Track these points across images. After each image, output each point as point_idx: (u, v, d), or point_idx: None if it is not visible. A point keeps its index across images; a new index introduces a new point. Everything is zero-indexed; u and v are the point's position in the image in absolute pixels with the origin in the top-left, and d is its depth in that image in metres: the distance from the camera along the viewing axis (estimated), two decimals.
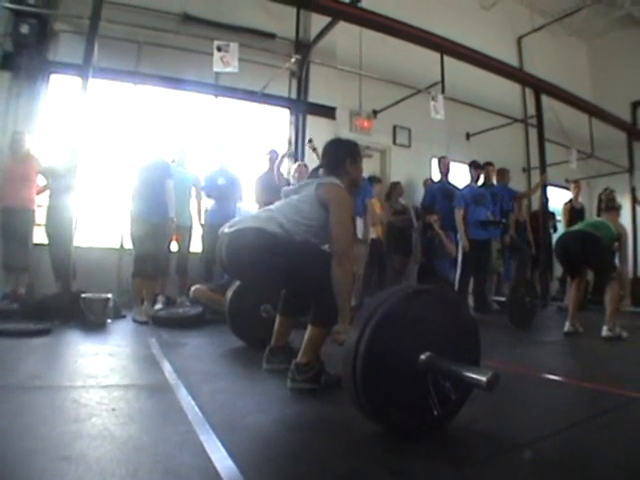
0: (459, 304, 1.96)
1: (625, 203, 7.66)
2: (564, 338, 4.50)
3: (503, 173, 7.15)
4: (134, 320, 4.78)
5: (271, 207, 2.54)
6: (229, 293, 3.69)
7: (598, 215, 5.33)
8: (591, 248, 4.47)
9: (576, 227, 4.89)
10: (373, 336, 1.65)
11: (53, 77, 6.23)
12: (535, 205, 8.23)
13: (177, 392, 2.17)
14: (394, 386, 1.69)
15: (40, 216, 5.50)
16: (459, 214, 6.42)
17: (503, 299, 6.15)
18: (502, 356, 3.47)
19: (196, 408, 1.91)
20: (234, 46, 5.40)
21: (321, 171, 2.69)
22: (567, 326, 4.63)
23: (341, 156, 2.64)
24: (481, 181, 6.88)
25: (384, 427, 1.72)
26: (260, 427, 1.78)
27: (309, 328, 2.35)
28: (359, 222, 6.04)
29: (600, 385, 2.52)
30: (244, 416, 1.88)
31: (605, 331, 4.33)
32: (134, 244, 5.14)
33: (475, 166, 6.80)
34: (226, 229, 2.48)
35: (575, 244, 4.58)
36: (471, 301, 6.43)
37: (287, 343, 2.73)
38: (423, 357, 1.72)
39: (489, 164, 7.02)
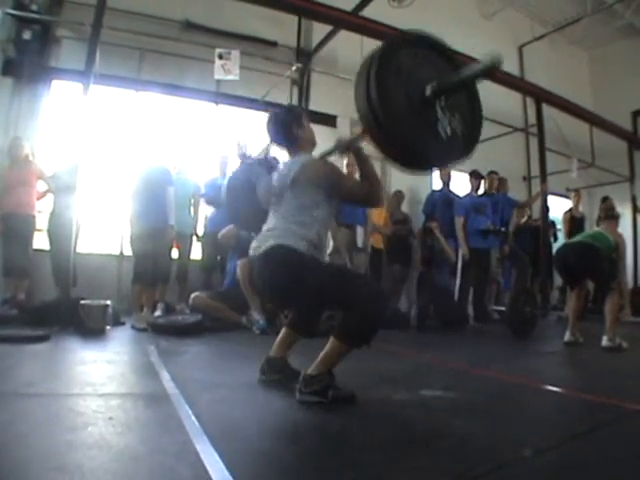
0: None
1: (626, 212, 7.66)
2: (564, 348, 4.49)
3: (502, 182, 7.16)
4: (133, 327, 4.76)
5: (278, 215, 2.50)
6: None
7: (597, 225, 5.32)
8: (591, 259, 4.48)
9: (575, 239, 4.89)
10: (378, 83, 1.92)
11: (55, 83, 6.26)
12: (536, 214, 8.21)
13: (175, 401, 2.15)
14: (411, 119, 1.97)
15: (41, 222, 5.50)
16: (459, 222, 6.42)
17: (503, 309, 6.14)
18: (502, 366, 3.47)
19: (193, 418, 1.89)
20: (235, 54, 5.43)
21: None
22: (567, 336, 4.61)
23: (285, 126, 2.60)
24: (481, 190, 6.88)
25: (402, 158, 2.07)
26: (258, 438, 1.76)
27: (331, 340, 2.28)
28: (360, 231, 6.03)
29: (600, 397, 2.50)
30: (242, 427, 1.86)
31: (605, 341, 4.31)
32: (134, 251, 5.15)
33: (475, 175, 6.81)
34: (252, 251, 2.49)
35: (574, 256, 4.59)
36: (471, 310, 6.42)
37: (284, 356, 2.66)
38: (428, 89, 1.99)
39: (493, 173, 7.02)
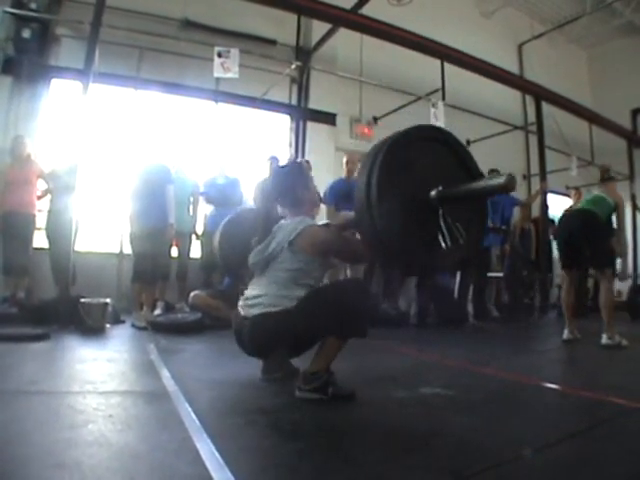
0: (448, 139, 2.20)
1: (626, 211, 7.65)
2: (563, 346, 4.49)
3: None
4: (133, 325, 4.77)
5: (269, 279, 2.46)
6: None
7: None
8: (591, 224, 4.48)
9: (575, 207, 4.88)
10: (380, 176, 1.84)
11: (54, 81, 6.26)
12: (535, 212, 8.22)
13: (175, 399, 2.16)
14: (409, 222, 1.90)
15: (40, 220, 5.50)
16: None
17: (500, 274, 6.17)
18: (501, 364, 3.48)
19: (193, 415, 1.90)
20: (235, 52, 5.42)
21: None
22: (566, 334, 4.61)
23: (289, 186, 2.56)
24: None
25: (400, 264, 2.03)
26: (257, 436, 1.77)
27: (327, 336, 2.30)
28: None
29: (599, 394, 2.51)
30: (241, 424, 1.86)
31: (605, 339, 4.31)
32: (133, 249, 5.15)
33: None
34: (240, 309, 2.52)
35: (577, 222, 4.60)
36: (470, 308, 6.43)
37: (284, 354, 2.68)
38: (434, 192, 1.91)
39: (494, 171, 7.02)
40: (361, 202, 1.90)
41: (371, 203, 1.83)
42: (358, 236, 2.45)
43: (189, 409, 1.98)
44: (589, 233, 4.49)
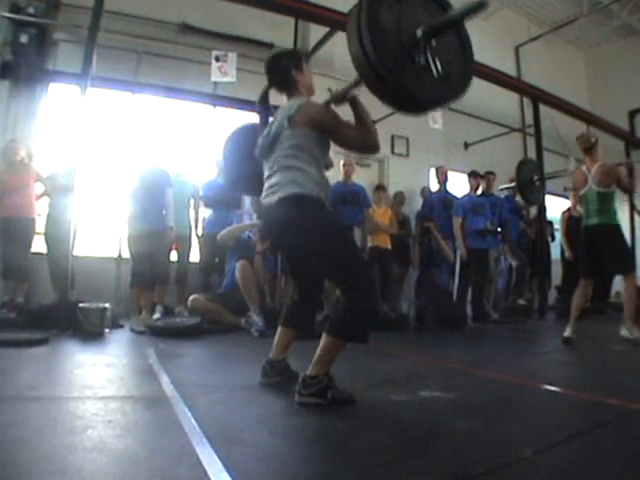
0: None
1: (624, 212, 7.66)
2: (563, 347, 4.47)
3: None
4: (132, 330, 4.76)
5: (275, 166, 2.48)
6: None
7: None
8: (609, 239, 4.52)
9: (590, 222, 4.73)
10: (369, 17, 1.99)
11: (52, 86, 6.25)
12: (533, 213, 8.24)
13: (174, 404, 2.15)
14: (400, 58, 2.04)
15: (40, 224, 5.50)
16: (457, 222, 6.43)
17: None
18: (500, 366, 3.48)
19: (193, 420, 1.89)
20: (232, 56, 5.44)
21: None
22: (568, 332, 4.56)
23: (284, 67, 2.64)
24: (480, 190, 6.89)
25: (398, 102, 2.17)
26: (258, 440, 1.76)
27: (324, 337, 2.26)
28: (357, 232, 6.03)
29: (600, 396, 2.50)
30: (242, 429, 1.86)
31: (623, 331, 4.25)
32: (132, 254, 5.14)
33: (474, 175, 6.82)
34: (264, 200, 2.51)
35: (595, 236, 4.62)
36: (469, 310, 6.43)
37: (284, 358, 2.66)
38: (419, 31, 2.06)
39: (490, 173, 7.04)
40: (357, 57, 2.05)
41: (367, 51, 1.98)
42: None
43: (189, 414, 1.98)
44: (610, 246, 4.52)
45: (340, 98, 2.54)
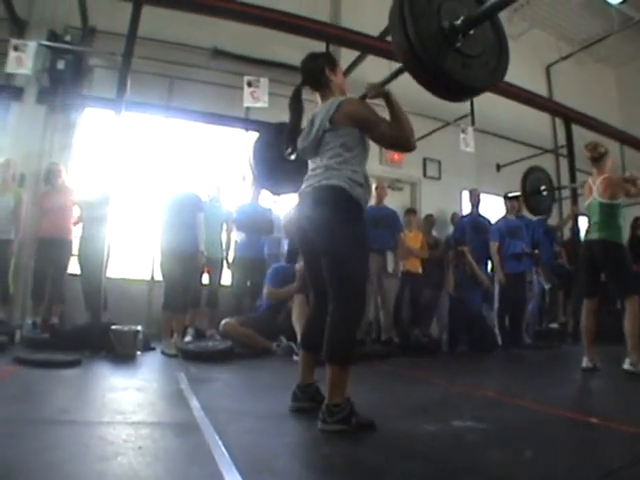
0: None
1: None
2: (597, 375, 4.30)
3: None
4: (163, 353, 4.79)
5: (318, 160, 2.52)
6: None
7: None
8: (611, 257, 4.31)
9: (592, 237, 4.47)
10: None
11: (87, 110, 6.46)
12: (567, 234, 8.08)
13: (204, 431, 2.14)
14: (442, 46, 2.28)
15: (74, 246, 5.62)
16: (494, 247, 6.35)
17: None
18: (534, 395, 3.35)
19: (223, 448, 1.88)
20: (264, 81, 5.51)
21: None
22: (585, 362, 4.37)
23: (319, 67, 2.66)
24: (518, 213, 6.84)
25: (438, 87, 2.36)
26: (287, 471, 1.74)
27: (327, 367, 2.28)
28: (389, 255, 6.00)
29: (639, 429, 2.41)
30: (271, 458, 1.84)
31: (627, 365, 4.08)
32: (164, 277, 5.19)
33: (512, 198, 6.75)
34: (305, 188, 2.54)
35: (595, 252, 4.41)
36: (504, 335, 6.31)
37: (314, 382, 2.64)
38: (459, 21, 2.25)
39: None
40: (399, 42, 2.25)
41: (410, 38, 2.17)
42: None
43: (219, 442, 1.97)
44: (612, 266, 4.33)
45: (376, 92, 2.60)
